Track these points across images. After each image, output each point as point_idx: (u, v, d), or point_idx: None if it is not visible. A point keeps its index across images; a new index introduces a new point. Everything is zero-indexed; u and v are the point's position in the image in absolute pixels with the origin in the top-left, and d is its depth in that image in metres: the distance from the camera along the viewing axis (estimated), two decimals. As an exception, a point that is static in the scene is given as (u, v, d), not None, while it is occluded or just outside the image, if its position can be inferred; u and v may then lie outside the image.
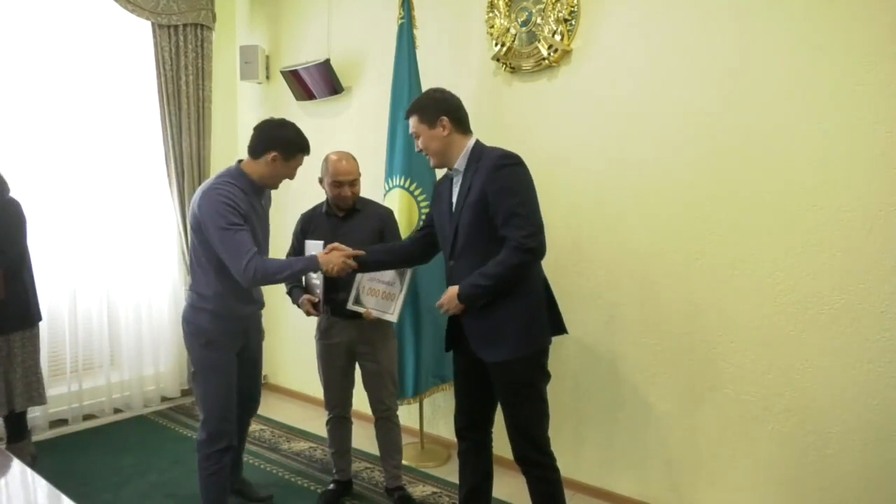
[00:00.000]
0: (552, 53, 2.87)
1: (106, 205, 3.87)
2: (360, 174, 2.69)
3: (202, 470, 2.45)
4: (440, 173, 3.20)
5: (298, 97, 4.01)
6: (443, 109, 2.18)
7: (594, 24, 2.79)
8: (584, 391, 2.88)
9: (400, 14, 3.18)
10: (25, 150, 3.55)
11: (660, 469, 2.73)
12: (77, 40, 3.70)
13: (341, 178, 2.60)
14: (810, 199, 2.30)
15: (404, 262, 2.49)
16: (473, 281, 2.06)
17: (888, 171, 2.14)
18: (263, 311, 2.85)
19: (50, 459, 3.25)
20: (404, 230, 2.97)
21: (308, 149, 2.44)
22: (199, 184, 3.54)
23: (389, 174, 3.18)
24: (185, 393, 4.22)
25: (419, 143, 2.23)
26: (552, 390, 2.20)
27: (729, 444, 2.54)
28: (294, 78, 3.93)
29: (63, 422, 3.71)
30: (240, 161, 2.43)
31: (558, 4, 2.83)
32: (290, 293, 2.76)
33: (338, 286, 2.62)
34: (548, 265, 2.20)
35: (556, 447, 2.19)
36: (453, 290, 2.10)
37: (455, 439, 3.44)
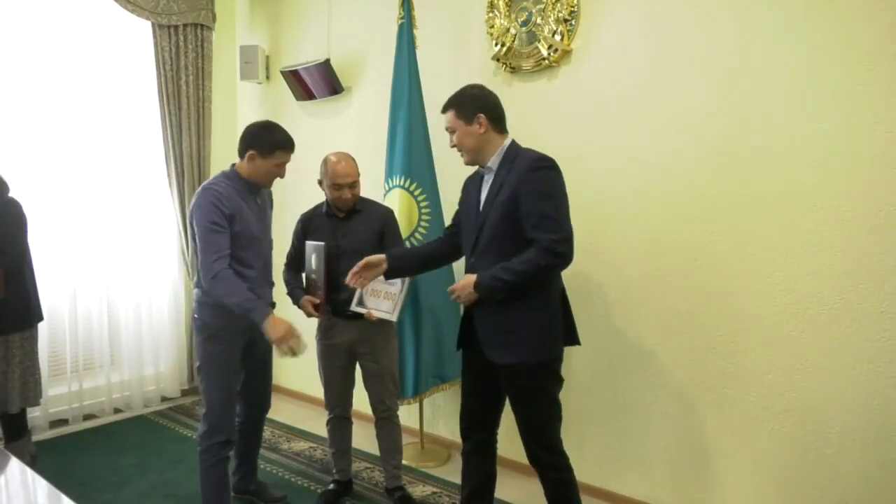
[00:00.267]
0: (552, 53, 2.87)
1: (106, 205, 3.87)
2: (359, 175, 2.68)
3: (202, 462, 2.49)
4: (443, 171, 3.22)
5: (298, 97, 4.01)
6: (481, 106, 2.15)
7: (594, 24, 2.79)
8: (584, 392, 2.88)
9: (400, 14, 3.18)
10: (25, 150, 3.55)
11: (660, 469, 2.73)
12: (77, 40, 3.70)
13: (340, 181, 2.60)
14: (810, 199, 2.30)
15: (435, 262, 2.46)
16: (496, 273, 2.03)
17: (888, 171, 2.14)
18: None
19: (50, 459, 3.25)
20: (404, 230, 2.97)
21: (286, 146, 2.47)
22: (199, 184, 3.56)
23: (389, 174, 3.18)
24: (185, 393, 4.22)
25: (454, 139, 2.19)
26: (552, 390, 2.20)
27: (729, 444, 2.54)
28: (294, 78, 3.93)
29: (63, 422, 3.71)
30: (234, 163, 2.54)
31: (558, 4, 2.83)
32: (290, 294, 2.76)
33: (339, 287, 2.63)
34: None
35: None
36: (470, 278, 2.07)
37: (455, 439, 3.46)
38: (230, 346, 2.47)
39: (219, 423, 2.45)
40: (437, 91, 3.29)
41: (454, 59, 3.31)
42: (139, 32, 3.91)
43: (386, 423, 2.79)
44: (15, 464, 1.63)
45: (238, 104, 4.55)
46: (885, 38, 2.12)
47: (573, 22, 2.83)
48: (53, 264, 3.64)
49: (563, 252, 1.99)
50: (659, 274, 2.68)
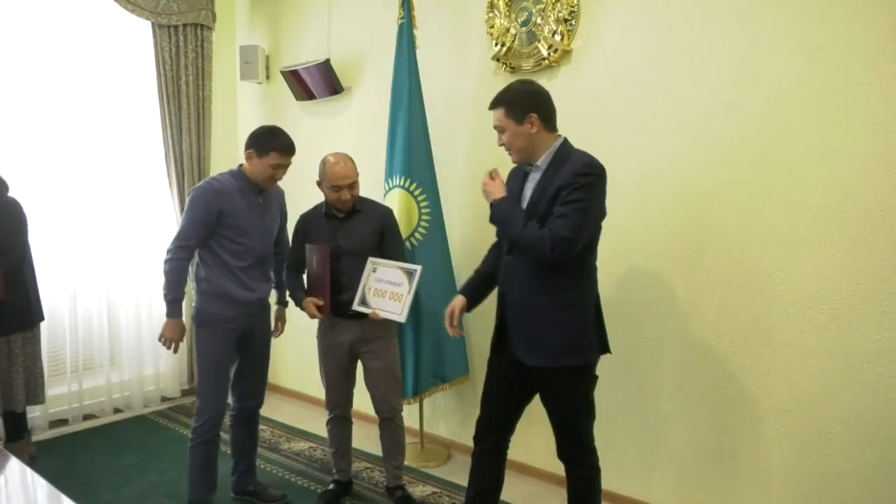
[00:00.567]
0: (552, 53, 2.87)
1: (106, 205, 3.87)
2: (358, 176, 2.68)
3: (189, 441, 2.64)
4: (442, 171, 3.22)
5: (298, 97, 4.01)
6: (533, 105, 2.06)
7: (594, 24, 2.79)
8: (584, 391, 2.88)
9: (400, 14, 3.18)
10: (25, 150, 3.54)
11: (661, 469, 2.73)
12: (77, 40, 3.70)
13: (339, 183, 2.59)
14: (810, 199, 2.30)
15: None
16: (508, 214, 2.04)
17: (888, 171, 2.14)
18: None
19: (50, 459, 3.25)
20: (404, 230, 2.97)
21: (281, 149, 2.54)
22: (199, 184, 3.57)
23: (389, 174, 3.19)
24: (185, 393, 4.22)
25: (502, 138, 2.10)
26: (552, 390, 2.19)
27: (729, 444, 2.54)
28: (294, 78, 3.93)
29: (63, 422, 3.71)
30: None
31: (558, 4, 2.83)
32: (292, 295, 2.76)
33: (340, 287, 2.62)
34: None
35: (554, 448, 2.19)
36: (496, 191, 2.08)
37: (456, 439, 3.46)
38: (220, 333, 2.57)
39: (205, 405, 2.59)
40: (437, 91, 3.31)
41: (454, 59, 3.31)
42: (139, 32, 3.91)
43: (389, 424, 2.77)
44: (15, 464, 1.63)
45: (238, 104, 4.55)
46: (885, 38, 2.12)
47: (573, 22, 2.83)
48: (53, 264, 3.63)
49: (559, 250, 1.93)
50: (658, 274, 2.67)
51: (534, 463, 3.05)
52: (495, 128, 2.11)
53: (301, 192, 3.56)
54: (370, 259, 2.64)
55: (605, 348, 2.17)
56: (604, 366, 2.17)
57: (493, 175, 2.13)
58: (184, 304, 2.60)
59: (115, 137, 3.89)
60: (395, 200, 3.09)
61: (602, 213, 2.09)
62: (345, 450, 2.88)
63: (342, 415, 2.82)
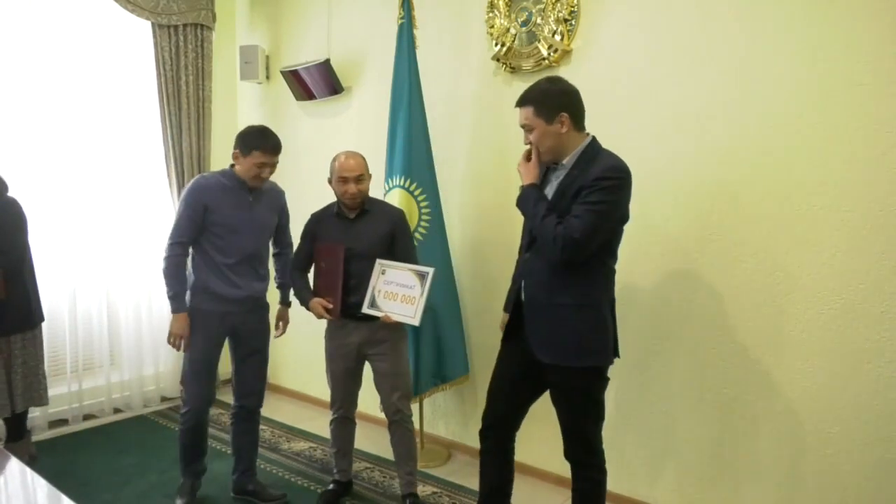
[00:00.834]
0: (552, 53, 2.87)
1: (106, 205, 3.86)
2: (368, 174, 2.68)
3: (178, 426, 2.80)
4: (442, 171, 3.23)
5: (298, 97, 4.01)
6: (564, 104, 2.00)
7: (594, 24, 2.79)
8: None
9: (400, 14, 3.18)
10: (25, 150, 3.54)
11: (661, 469, 2.73)
12: (77, 40, 3.70)
13: (346, 174, 2.60)
14: (810, 199, 2.30)
15: None
16: (533, 202, 2.02)
17: (888, 171, 2.14)
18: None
19: (50, 459, 3.25)
20: (404, 230, 2.97)
21: (264, 147, 2.57)
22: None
23: (389, 174, 3.19)
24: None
25: (530, 138, 2.05)
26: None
27: (729, 445, 2.54)
28: (294, 78, 3.93)
29: (63, 422, 3.71)
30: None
31: (558, 4, 2.83)
32: (297, 295, 2.74)
33: (349, 289, 2.61)
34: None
35: (557, 449, 2.19)
36: (530, 175, 2.06)
37: (455, 439, 3.46)
38: (205, 324, 2.64)
39: (189, 396, 2.71)
40: (437, 91, 3.31)
41: (454, 59, 3.31)
42: (139, 32, 3.91)
43: (398, 428, 2.74)
44: (15, 464, 1.63)
45: (238, 104, 4.55)
46: (885, 38, 2.13)
47: (573, 22, 2.83)
48: (53, 264, 3.63)
49: (568, 252, 1.92)
50: (659, 274, 2.68)
51: (535, 463, 3.05)
52: (522, 126, 2.06)
53: (301, 192, 3.56)
54: (378, 261, 2.61)
55: (616, 352, 2.16)
56: (604, 366, 2.18)
57: (527, 156, 2.09)
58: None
59: (115, 137, 3.89)
60: (395, 200, 3.08)
61: (624, 218, 2.05)
62: (346, 450, 2.88)
63: (346, 415, 2.81)
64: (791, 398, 2.38)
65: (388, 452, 3.32)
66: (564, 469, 2.22)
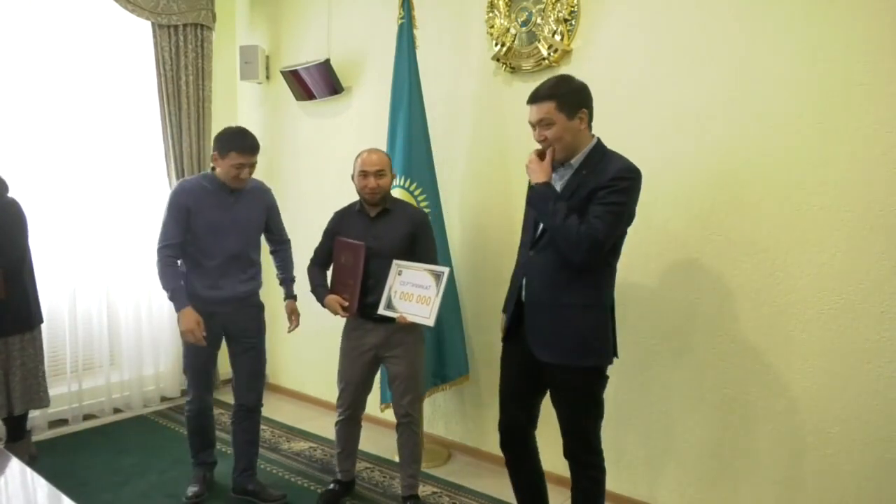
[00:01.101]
0: (552, 53, 2.87)
1: (106, 205, 3.86)
2: (392, 172, 2.69)
3: (184, 413, 2.92)
4: (442, 171, 3.22)
5: (298, 97, 4.01)
6: (583, 101, 2.02)
7: (594, 24, 2.79)
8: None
9: (400, 14, 3.18)
10: (25, 150, 3.54)
11: (661, 469, 2.73)
12: (77, 40, 3.70)
13: (367, 168, 2.60)
14: (810, 199, 2.30)
15: None
16: (549, 200, 1.98)
17: (888, 171, 2.14)
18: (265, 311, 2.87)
19: (50, 459, 3.25)
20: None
21: (240, 148, 2.58)
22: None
23: (389, 174, 3.18)
24: (184, 393, 4.21)
25: (546, 132, 2.02)
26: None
27: (729, 445, 2.54)
28: (294, 78, 3.93)
29: (63, 422, 3.71)
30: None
31: (558, 4, 2.83)
32: (313, 291, 2.73)
33: (367, 289, 2.60)
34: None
35: (557, 448, 2.19)
36: (541, 174, 2.02)
37: (455, 439, 3.46)
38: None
39: (189, 387, 2.84)
40: (437, 91, 3.31)
41: (454, 59, 3.31)
42: (139, 32, 3.91)
43: (405, 430, 2.73)
44: (15, 464, 1.63)
45: (238, 104, 4.54)
46: (885, 38, 2.13)
47: (573, 22, 2.83)
48: (53, 264, 3.63)
49: (591, 254, 1.94)
50: (658, 274, 2.68)
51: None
52: (540, 121, 2.03)
53: (301, 192, 3.59)
54: (395, 262, 2.59)
55: (615, 352, 2.17)
56: (604, 366, 2.18)
57: (540, 154, 2.07)
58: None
59: (115, 137, 3.89)
60: (395, 200, 3.09)
61: (631, 218, 2.07)
62: (351, 451, 2.85)
63: (353, 417, 2.78)
64: (791, 398, 2.38)
65: (388, 452, 3.33)
66: (564, 469, 2.22)
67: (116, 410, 3.95)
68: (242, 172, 2.62)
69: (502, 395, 2.30)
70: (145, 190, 4.02)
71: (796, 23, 2.29)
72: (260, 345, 2.85)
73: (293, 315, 2.91)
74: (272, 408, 4.00)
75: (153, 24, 3.87)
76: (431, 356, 3.16)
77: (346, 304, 2.61)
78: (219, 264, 2.68)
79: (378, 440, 3.40)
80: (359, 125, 3.80)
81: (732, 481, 2.54)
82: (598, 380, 2.12)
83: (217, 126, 4.20)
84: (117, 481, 3.05)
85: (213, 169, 2.69)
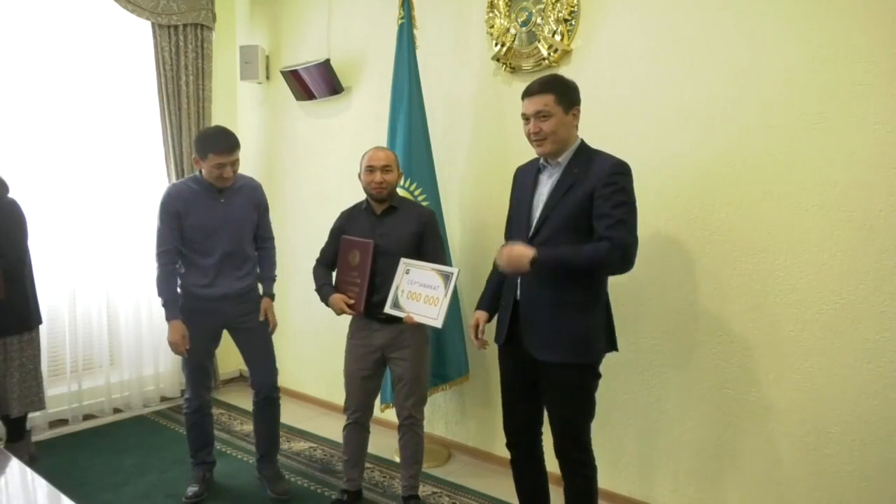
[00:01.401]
0: (552, 53, 2.87)
1: (106, 205, 3.87)
2: (399, 171, 2.69)
3: (183, 411, 2.97)
4: (442, 171, 3.23)
5: (298, 97, 4.01)
6: (577, 99, 2.09)
7: (594, 24, 2.79)
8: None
9: (400, 14, 3.18)
10: (25, 151, 3.54)
11: (660, 469, 2.73)
12: (77, 40, 3.70)
13: (373, 164, 2.60)
14: (810, 199, 2.30)
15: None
16: (558, 255, 1.98)
17: (888, 171, 2.14)
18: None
19: (50, 459, 3.25)
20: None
21: (217, 149, 2.59)
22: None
23: (389, 174, 3.18)
24: (184, 393, 4.22)
25: (543, 124, 2.04)
26: (552, 390, 2.19)
27: (729, 445, 2.54)
28: (294, 78, 3.93)
29: (63, 422, 3.71)
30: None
31: (558, 4, 2.83)
32: (318, 290, 2.71)
33: (374, 288, 2.58)
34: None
35: (549, 448, 2.19)
36: (526, 252, 1.95)
37: (455, 439, 3.45)
38: (194, 323, 2.73)
39: (186, 385, 2.90)
40: (437, 91, 3.31)
41: (454, 59, 3.31)
42: (139, 32, 3.91)
43: (407, 431, 2.71)
44: (15, 464, 1.63)
45: (238, 104, 4.55)
46: (885, 37, 2.12)
47: (573, 22, 2.83)
48: (53, 264, 3.63)
49: (630, 259, 1.98)
50: (658, 274, 2.67)
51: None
52: (537, 113, 2.05)
53: (301, 192, 3.59)
54: (403, 260, 2.56)
55: (613, 345, 2.20)
56: (603, 365, 2.17)
57: (500, 257, 2.04)
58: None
59: (115, 138, 3.89)
60: (395, 200, 3.08)
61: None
62: (358, 459, 2.77)
63: (360, 422, 2.73)
64: (791, 398, 2.38)
65: (387, 453, 3.33)
66: (557, 468, 2.22)
67: (116, 410, 3.95)
68: (225, 171, 2.64)
69: (504, 400, 2.30)
70: (145, 190, 4.02)
71: (796, 23, 2.29)
72: (265, 333, 2.89)
73: (267, 314, 2.88)
74: (272, 408, 4.00)
75: (153, 24, 3.87)
76: (431, 356, 3.15)
77: (352, 302, 2.60)
78: (214, 263, 2.73)
79: (378, 440, 3.39)
80: (359, 125, 3.80)
81: (732, 481, 2.54)
82: (592, 376, 2.14)
83: (217, 126, 4.24)
84: (117, 481, 3.05)
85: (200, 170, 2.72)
